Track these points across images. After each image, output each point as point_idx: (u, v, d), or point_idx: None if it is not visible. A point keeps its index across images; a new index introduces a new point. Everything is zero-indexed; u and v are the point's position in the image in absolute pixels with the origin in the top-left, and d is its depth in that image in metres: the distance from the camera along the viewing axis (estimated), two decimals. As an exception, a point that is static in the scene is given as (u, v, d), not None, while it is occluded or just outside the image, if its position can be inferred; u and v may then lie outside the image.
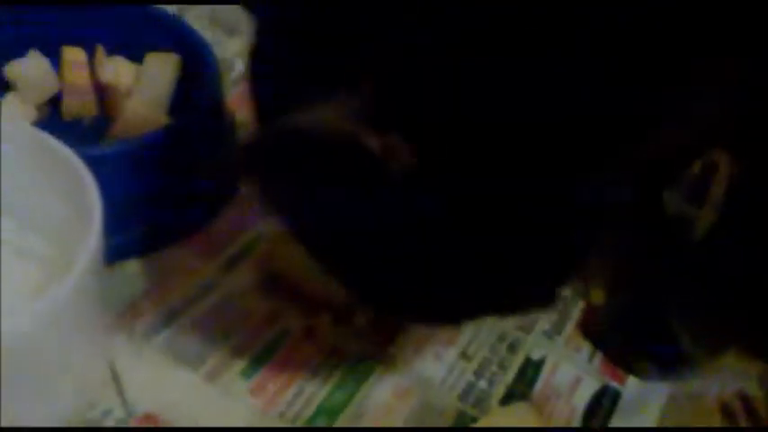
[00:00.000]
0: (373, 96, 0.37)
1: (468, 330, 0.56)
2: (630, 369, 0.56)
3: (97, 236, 0.43)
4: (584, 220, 0.40)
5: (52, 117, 0.60)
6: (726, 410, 0.55)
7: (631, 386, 0.55)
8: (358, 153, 0.36)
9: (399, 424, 0.50)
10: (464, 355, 0.54)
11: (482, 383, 0.53)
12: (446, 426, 0.50)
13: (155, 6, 0.63)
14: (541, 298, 0.44)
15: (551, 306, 0.49)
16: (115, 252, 0.54)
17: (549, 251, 0.40)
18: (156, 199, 0.54)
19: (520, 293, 0.43)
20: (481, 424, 0.50)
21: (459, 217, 0.38)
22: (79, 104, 0.60)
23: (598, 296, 0.59)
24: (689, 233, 0.56)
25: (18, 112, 0.58)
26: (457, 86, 0.36)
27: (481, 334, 0.56)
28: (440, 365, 0.53)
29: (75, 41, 0.61)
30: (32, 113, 0.59)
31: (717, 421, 0.54)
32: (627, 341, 0.56)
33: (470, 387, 0.53)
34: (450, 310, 0.44)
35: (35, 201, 0.48)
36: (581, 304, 0.59)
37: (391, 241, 0.39)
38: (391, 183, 0.37)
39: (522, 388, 0.53)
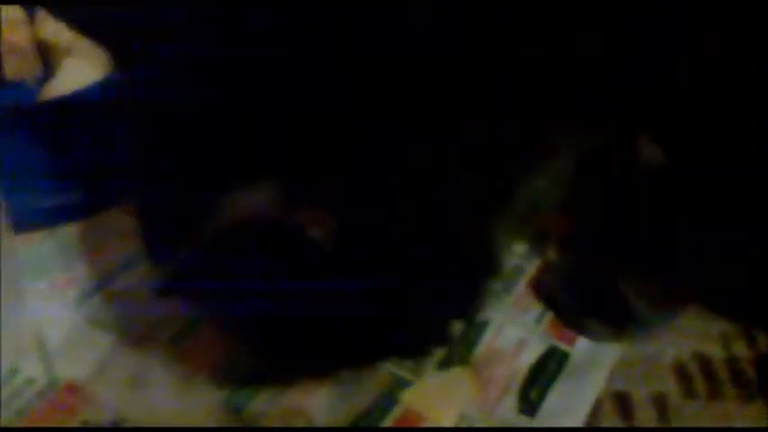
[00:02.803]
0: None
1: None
2: (581, 329, 0.54)
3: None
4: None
5: (-6, 77, 0.60)
6: (681, 372, 0.52)
7: (581, 348, 0.53)
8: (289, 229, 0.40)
9: (330, 389, 0.49)
10: (403, 318, 0.53)
11: (420, 347, 0.51)
12: (380, 391, 0.49)
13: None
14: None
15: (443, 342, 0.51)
16: (47, 215, 0.54)
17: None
18: (92, 160, 0.53)
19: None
20: (414, 389, 0.49)
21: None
22: (20, 63, 0.59)
23: (553, 254, 0.57)
24: (661, 183, 0.53)
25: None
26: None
27: (424, 295, 0.54)
28: (377, 329, 0.52)
29: (15, -2, 0.60)
30: (-28, 75, 0.58)
31: (671, 384, 0.52)
32: (578, 300, 0.54)
33: (408, 351, 0.51)
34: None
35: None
36: (536, 262, 0.57)
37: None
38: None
39: (462, 351, 0.52)
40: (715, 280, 0.53)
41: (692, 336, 0.54)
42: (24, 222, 0.51)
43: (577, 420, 0.49)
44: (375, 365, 0.50)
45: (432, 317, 0.46)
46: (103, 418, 0.46)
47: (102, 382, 0.47)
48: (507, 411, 0.49)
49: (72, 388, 0.47)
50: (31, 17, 0.60)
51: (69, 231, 0.54)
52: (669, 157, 0.50)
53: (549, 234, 0.58)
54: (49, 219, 0.54)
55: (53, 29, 0.59)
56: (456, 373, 0.50)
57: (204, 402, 0.47)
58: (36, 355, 0.48)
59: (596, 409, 0.50)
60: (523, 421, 0.49)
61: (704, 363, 0.53)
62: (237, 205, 0.39)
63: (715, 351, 0.54)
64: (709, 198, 0.48)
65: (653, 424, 0.50)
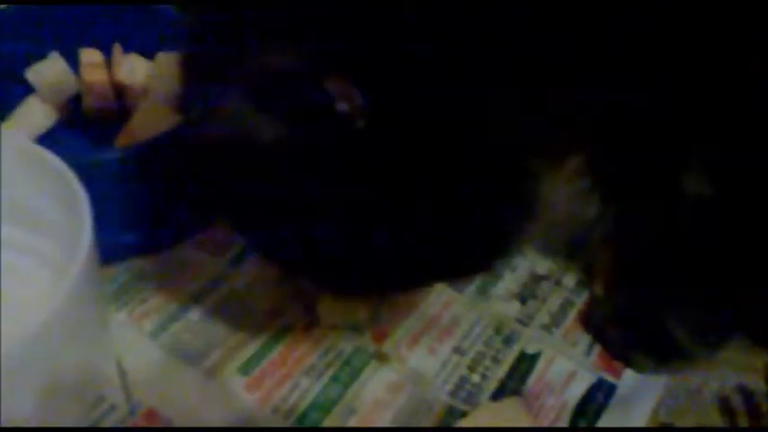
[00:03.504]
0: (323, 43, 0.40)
1: (464, 324, 0.57)
2: (629, 362, 0.56)
3: (88, 242, 0.46)
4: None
5: (73, 116, 0.64)
6: (724, 406, 0.55)
7: (627, 380, 0.55)
8: (316, 93, 0.39)
9: (389, 419, 0.52)
10: (458, 350, 0.56)
11: (475, 378, 0.54)
12: (435, 421, 0.52)
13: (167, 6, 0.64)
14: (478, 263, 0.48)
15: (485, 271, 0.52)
16: (126, 250, 0.58)
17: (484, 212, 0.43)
18: (165, 197, 0.57)
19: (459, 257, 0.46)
20: (468, 419, 0.52)
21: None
22: (98, 104, 0.63)
23: (600, 288, 0.59)
24: (705, 217, 0.55)
25: (39, 113, 0.61)
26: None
27: (477, 327, 0.57)
28: (433, 360, 0.55)
29: (92, 41, 0.64)
30: (53, 114, 0.62)
31: (714, 418, 0.54)
32: (626, 334, 0.56)
33: (463, 381, 0.54)
34: (387, 276, 0.46)
35: (38, 208, 0.51)
36: (584, 295, 0.60)
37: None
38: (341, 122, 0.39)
39: (514, 382, 0.54)
40: (759, 313, 0.55)
41: (736, 369, 0.56)
42: (104, 256, 0.54)
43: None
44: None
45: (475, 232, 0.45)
46: (180, 443, 0.50)
47: (177, 408, 0.51)
48: (557, 441, 0.52)
49: (151, 414, 0.50)
50: (109, 60, 0.64)
51: (145, 264, 0.58)
52: (715, 190, 0.52)
53: (596, 268, 0.60)
54: (128, 252, 0.57)
55: (129, 69, 0.63)
56: (508, 403, 0.53)
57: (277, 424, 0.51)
58: (118, 382, 0.52)
59: (642, 441, 0.52)
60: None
61: (747, 396, 0.55)
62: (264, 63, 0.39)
63: (758, 384, 0.56)
64: (755, 231, 0.50)
65: (697, 455, 0.52)
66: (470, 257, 0.48)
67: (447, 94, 0.41)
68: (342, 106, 0.39)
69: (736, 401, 0.55)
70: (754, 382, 0.56)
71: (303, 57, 0.39)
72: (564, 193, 0.61)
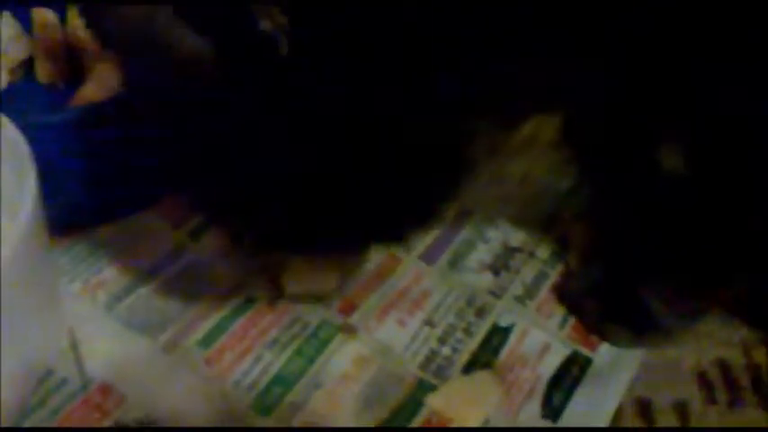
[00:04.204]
0: None
1: (435, 296, 0.55)
2: (604, 335, 0.54)
3: (31, 209, 0.42)
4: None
5: (26, 80, 0.61)
6: (702, 379, 0.53)
7: (603, 354, 0.53)
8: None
9: (356, 393, 0.49)
10: (429, 322, 0.53)
11: (445, 351, 0.52)
12: (405, 395, 0.50)
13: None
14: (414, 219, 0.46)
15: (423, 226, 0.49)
16: (81, 217, 0.55)
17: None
18: (125, 163, 0.54)
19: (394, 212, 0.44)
20: (439, 393, 0.50)
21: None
22: (52, 66, 0.60)
23: (575, 260, 0.57)
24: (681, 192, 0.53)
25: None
26: None
27: (449, 299, 0.55)
28: (403, 332, 0.53)
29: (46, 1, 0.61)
30: (5, 77, 0.59)
31: (692, 391, 0.52)
32: (601, 307, 0.54)
33: (433, 355, 0.52)
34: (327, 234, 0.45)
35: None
36: (559, 267, 0.58)
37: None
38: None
39: (486, 356, 0.52)
40: (736, 286, 0.54)
41: (713, 342, 0.55)
42: (57, 225, 0.52)
43: (600, 426, 0.50)
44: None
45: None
46: (134, 419, 0.47)
47: (133, 383, 0.48)
48: (531, 415, 0.50)
49: (104, 389, 0.48)
50: (63, 20, 0.61)
51: (101, 234, 0.55)
52: (690, 166, 0.50)
53: (571, 240, 0.58)
54: (82, 221, 0.55)
55: (83, 31, 0.60)
56: (480, 377, 0.51)
57: (234, 404, 0.48)
58: (70, 356, 0.49)
59: (618, 415, 0.50)
60: (546, 426, 0.49)
61: (725, 370, 0.54)
62: None
63: (736, 358, 0.54)
64: (730, 205, 0.49)
65: (675, 430, 0.51)
66: (397, 218, 0.46)
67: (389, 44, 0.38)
68: (263, 24, 0.36)
69: (714, 375, 0.53)
70: (733, 355, 0.54)
71: None
72: (539, 165, 0.59)
